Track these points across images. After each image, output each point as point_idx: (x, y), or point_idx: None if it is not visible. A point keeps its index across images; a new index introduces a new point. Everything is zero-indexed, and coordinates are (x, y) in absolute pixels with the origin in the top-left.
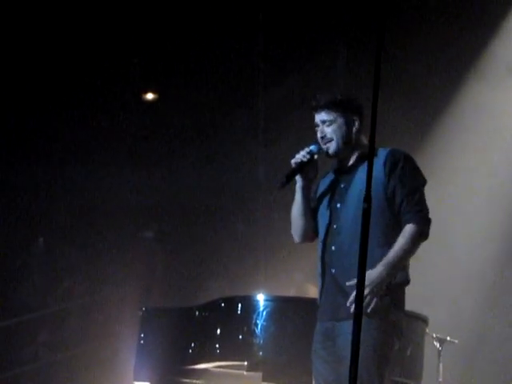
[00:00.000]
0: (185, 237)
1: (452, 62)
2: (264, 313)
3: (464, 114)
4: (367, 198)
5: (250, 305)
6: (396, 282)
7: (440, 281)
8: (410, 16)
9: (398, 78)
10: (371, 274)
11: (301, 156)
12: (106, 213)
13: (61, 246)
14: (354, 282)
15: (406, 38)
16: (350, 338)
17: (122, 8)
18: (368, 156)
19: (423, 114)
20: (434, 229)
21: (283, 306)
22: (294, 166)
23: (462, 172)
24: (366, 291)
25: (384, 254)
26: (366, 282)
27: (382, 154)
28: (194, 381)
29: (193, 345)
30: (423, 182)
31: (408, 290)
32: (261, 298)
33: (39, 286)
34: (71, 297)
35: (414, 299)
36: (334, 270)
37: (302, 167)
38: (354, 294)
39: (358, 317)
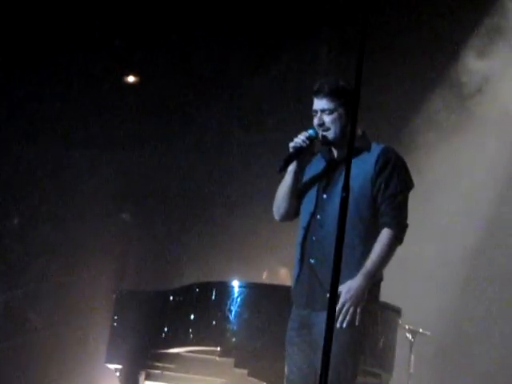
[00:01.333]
0: (161, 220)
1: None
2: (238, 299)
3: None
4: (345, 187)
5: (224, 291)
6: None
7: (413, 272)
8: (393, 10)
9: (381, 69)
10: (352, 285)
11: (300, 141)
12: (83, 193)
13: (36, 225)
14: (342, 287)
15: (389, 32)
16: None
17: None
18: (347, 151)
19: (403, 108)
20: (409, 220)
21: (257, 293)
22: (292, 150)
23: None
24: (348, 304)
25: (364, 252)
26: (347, 294)
27: (375, 150)
28: (167, 365)
29: (166, 329)
30: (409, 186)
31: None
32: (235, 284)
33: (13, 265)
34: (45, 276)
35: (387, 291)
36: (313, 261)
37: (300, 152)
38: (337, 310)
39: (331, 309)
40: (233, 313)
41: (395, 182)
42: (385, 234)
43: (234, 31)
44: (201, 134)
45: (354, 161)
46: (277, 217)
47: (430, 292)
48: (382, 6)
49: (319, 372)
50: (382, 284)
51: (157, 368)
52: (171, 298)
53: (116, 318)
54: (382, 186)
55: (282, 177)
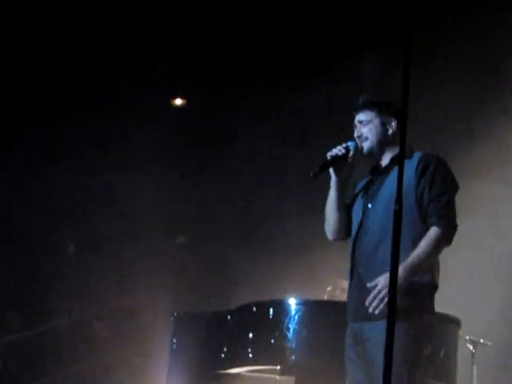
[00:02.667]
0: (215, 243)
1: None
2: (296, 317)
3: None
4: (398, 200)
5: (281, 309)
6: (419, 283)
7: (474, 282)
8: (440, 17)
9: (428, 81)
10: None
11: (336, 150)
12: (137, 220)
13: (92, 252)
14: (374, 282)
15: (433, 41)
16: (378, 341)
17: (150, 13)
18: (399, 158)
19: (455, 117)
20: (466, 228)
21: (315, 310)
22: (328, 158)
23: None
24: (384, 292)
25: (408, 253)
26: (385, 283)
27: (415, 158)
28: None
29: (225, 349)
30: (454, 186)
31: (441, 291)
32: (292, 302)
33: (71, 293)
34: (103, 303)
35: (446, 301)
36: (360, 269)
37: (335, 160)
38: (372, 294)
39: (390, 323)
40: (291, 331)
41: (439, 182)
42: (432, 231)
43: (280, 50)
44: (249, 152)
45: (395, 170)
46: (329, 235)
47: (492, 301)
48: (425, 19)
49: None
50: (441, 295)
51: None
52: (229, 317)
53: (175, 340)
54: (426, 188)
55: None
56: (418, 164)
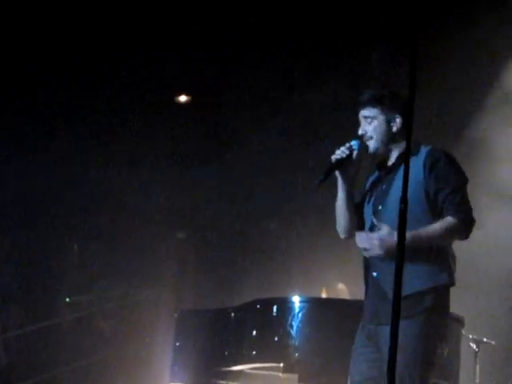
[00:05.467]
0: (217, 238)
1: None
2: (300, 314)
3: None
4: (403, 199)
5: (285, 306)
6: (440, 283)
7: (476, 280)
8: (444, 17)
9: (433, 78)
10: (389, 238)
11: (340, 152)
12: (138, 214)
13: (95, 249)
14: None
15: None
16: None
17: (155, 8)
18: (404, 156)
19: (459, 113)
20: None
21: (319, 308)
22: (333, 161)
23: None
24: (376, 250)
25: (428, 257)
26: (381, 243)
27: (422, 153)
28: (231, 382)
29: (228, 346)
30: (465, 180)
31: None
32: (296, 300)
33: (73, 289)
34: (105, 298)
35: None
36: (375, 274)
37: (340, 163)
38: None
39: (395, 321)
40: (294, 328)
41: (452, 178)
42: (448, 218)
43: (286, 47)
44: (254, 149)
45: (402, 167)
46: (341, 234)
47: (495, 300)
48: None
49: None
50: None
51: None
52: (232, 315)
53: (178, 336)
54: (440, 185)
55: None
56: (426, 160)
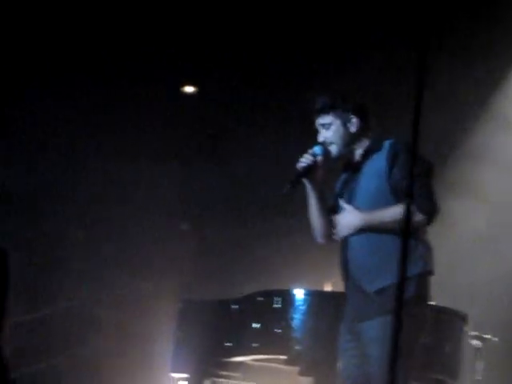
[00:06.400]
0: (221, 230)
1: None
2: (302, 307)
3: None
4: (409, 193)
5: (287, 299)
6: (413, 273)
7: (480, 277)
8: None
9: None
10: (350, 219)
11: (304, 159)
12: (142, 205)
13: (99, 238)
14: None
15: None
16: (373, 336)
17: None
18: (413, 150)
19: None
20: (474, 224)
21: (321, 301)
22: (299, 170)
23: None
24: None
25: (397, 247)
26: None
27: (385, 147)
28: (232, 373)
29: (230, 338)
30: (426, 167)
31: (447, 286)
32: (298, 292)
33: (76, 277)
34: (108, 288)
35: (454, 296)
36: (352, 270)
37: (306, 170)
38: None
39: (398, 310)
40: (296, 321)
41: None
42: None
43: (296, 40)
44: (261, 141)
45: (367, 163)
46: (318, 239)
47: (499, 296)
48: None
49: (371, 379)
50: (448, 289)
51: (222, 376)
52: (234, 306)
53: (180, 327)
54: (403, 174)
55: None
56: (388, 153)
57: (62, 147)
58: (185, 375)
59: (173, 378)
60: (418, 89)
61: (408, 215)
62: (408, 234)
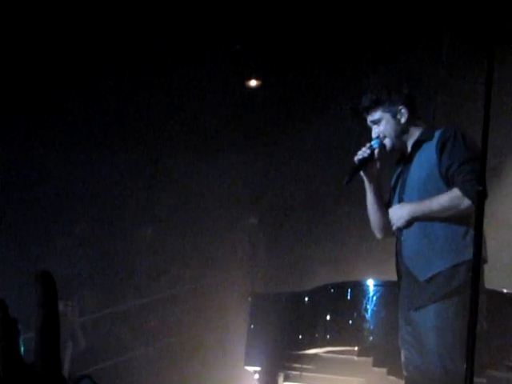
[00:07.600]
0: (288, 223)
1: None
2: (374, 298)
3: None
4: (481, 180)
5: (359, 290)
6: (469, 258)
7: None
8: None
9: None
10: (399, 213)
11: (361, 152)
12: (211, 200)
13: (167, 234)
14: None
15: None
16: (427, 325)
17: None
18: (482, 146)
19: None
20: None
21: (393, 291)
22: (356, 162)
23: None
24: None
25: (447, 234)
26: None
27: (436, 137)
28: (305, 366)
29: (302, 330)
30: (473, 154)
31: (502, 270)
32: (371, 283)
33: (148, 273)
34: (179, 283)
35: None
36: (405, 260)
37: (364, 163)
38: None
39: (473, 296)
40: (369, 312)
41: (459, 153)
42: (454, 190)
43: (352, 31)
44: (323, 134)
45: (418, 153)
46: (377, 234)
47: None
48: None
49: (430, 368)
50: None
51: (295, 369)
52: (306, 299)
53: (252, 320)
54: (451, 161)
55: None
56: (438, 141)
57: (121, 149)
58: (258, 368)
59: (248, 371)
60: (487, 86)
61: (480, 202)
62: (478, 221)
